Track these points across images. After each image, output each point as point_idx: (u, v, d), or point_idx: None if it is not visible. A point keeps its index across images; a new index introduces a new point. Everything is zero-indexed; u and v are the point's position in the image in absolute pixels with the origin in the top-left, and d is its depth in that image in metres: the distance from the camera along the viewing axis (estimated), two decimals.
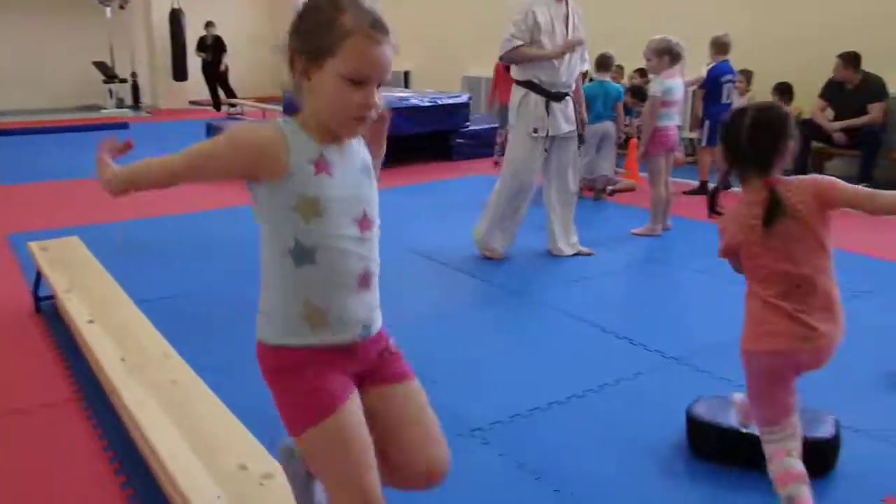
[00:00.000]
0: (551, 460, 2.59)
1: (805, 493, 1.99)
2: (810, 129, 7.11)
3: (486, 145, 9.06)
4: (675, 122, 5.55)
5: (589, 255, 5.02)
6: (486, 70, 11.32)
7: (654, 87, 5.47)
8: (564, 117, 4.80)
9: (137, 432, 2.28)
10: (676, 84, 5.48)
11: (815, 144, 7.26)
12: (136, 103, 15.19)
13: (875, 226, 5.80)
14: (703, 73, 6.89)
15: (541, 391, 3.07)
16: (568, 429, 2.81)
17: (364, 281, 1.53)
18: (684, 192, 6.70)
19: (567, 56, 4.69)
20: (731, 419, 2.54)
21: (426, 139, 8.87)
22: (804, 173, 7.54)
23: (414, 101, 8.57)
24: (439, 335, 3.70)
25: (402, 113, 8.37)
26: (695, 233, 5.61)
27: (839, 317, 2.05)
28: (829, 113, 7.13)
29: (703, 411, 2.62)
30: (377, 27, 1.38)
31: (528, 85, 4.72)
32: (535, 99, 4.71)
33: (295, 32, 1.43)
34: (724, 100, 6.73)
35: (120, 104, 14.96)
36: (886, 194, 2.00)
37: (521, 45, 4.61)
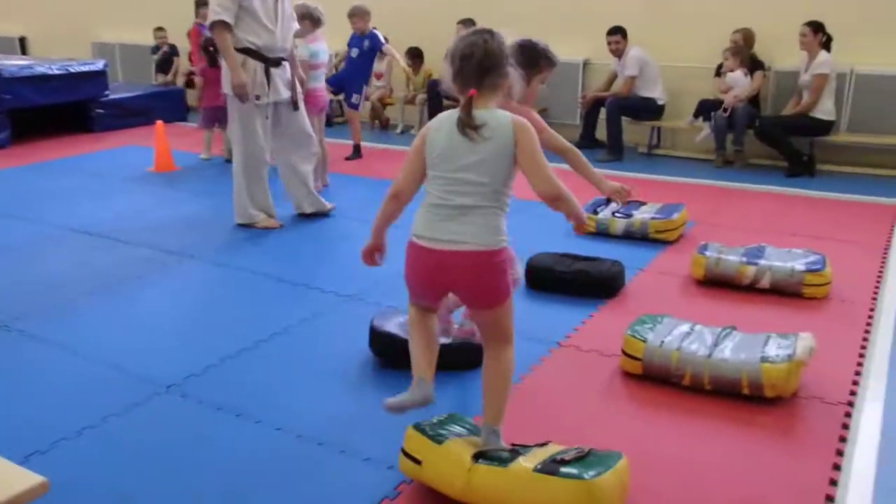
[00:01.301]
0: (249, 398, 2.79)
1: None
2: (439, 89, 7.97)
3: (129, 115, 8.62)
4: (322, 83, 5.90)
5: (332, 208, 5.22)
6: (120, 35, 10.66)
7: (301, 52, 5.66)
8: (283, 82, 4.79)
9: None
10: (321, 48, 5.80)
11: (445, 102, 8.16)
12: None
13: None
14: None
15: (229, 342, 3.24)
16: (260, 369, 3.03)
17: None
18: (346, 159, 6.96)
19: (281, 18, 4.65)
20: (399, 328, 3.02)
21: (61, 110, 8.18)
22: None
23: (42, 70, 7.82)
24: (119, 308, 3.64)
25: (30, 82, 7.64)
26: (351, 187, 6.06)
27: None
28: None
29: (381, 322, 3.08)
30: None
31: (246, 51, 4.59)
32: (255, 65, 4.62)
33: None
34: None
35: None
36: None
37: (225, 23, 4.46)
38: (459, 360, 2.93)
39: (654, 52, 7.07)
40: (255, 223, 4.91)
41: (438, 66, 8.16)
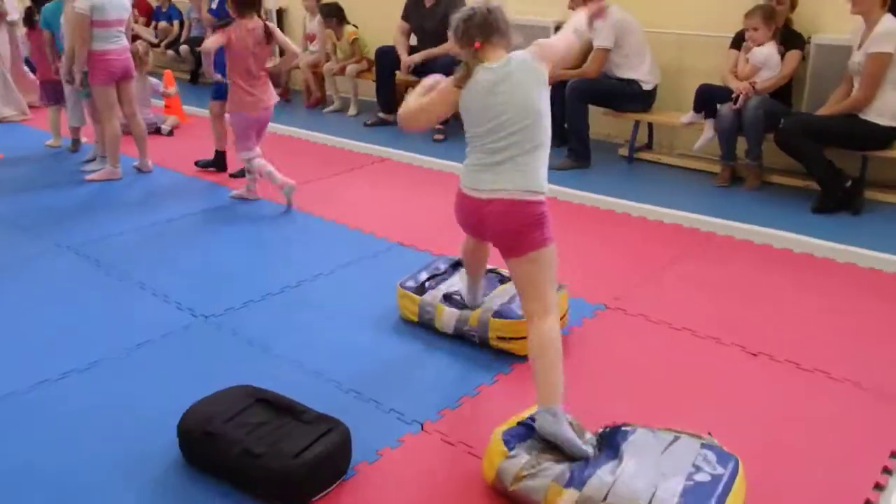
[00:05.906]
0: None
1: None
2: None
3: None
4: (118, 45, 4.66)
5: None
6: None
7: (81, 4, 4.43)
8: None
9: None
10: (109, 2, 4.48)
11: (399, 76, 6.24)
12: None
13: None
14: None
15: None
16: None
17: None
18: (196, 164, 5.02)
19: None
20: None
21: None
22: None
23: None
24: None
25: None
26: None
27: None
28: None
29: None
30: None
31: None
32: None
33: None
34: None
35: None
36: None
37: None
38: None
39: (642, 14, 4.91)
40: None
41: (369, 28, 6.34)
